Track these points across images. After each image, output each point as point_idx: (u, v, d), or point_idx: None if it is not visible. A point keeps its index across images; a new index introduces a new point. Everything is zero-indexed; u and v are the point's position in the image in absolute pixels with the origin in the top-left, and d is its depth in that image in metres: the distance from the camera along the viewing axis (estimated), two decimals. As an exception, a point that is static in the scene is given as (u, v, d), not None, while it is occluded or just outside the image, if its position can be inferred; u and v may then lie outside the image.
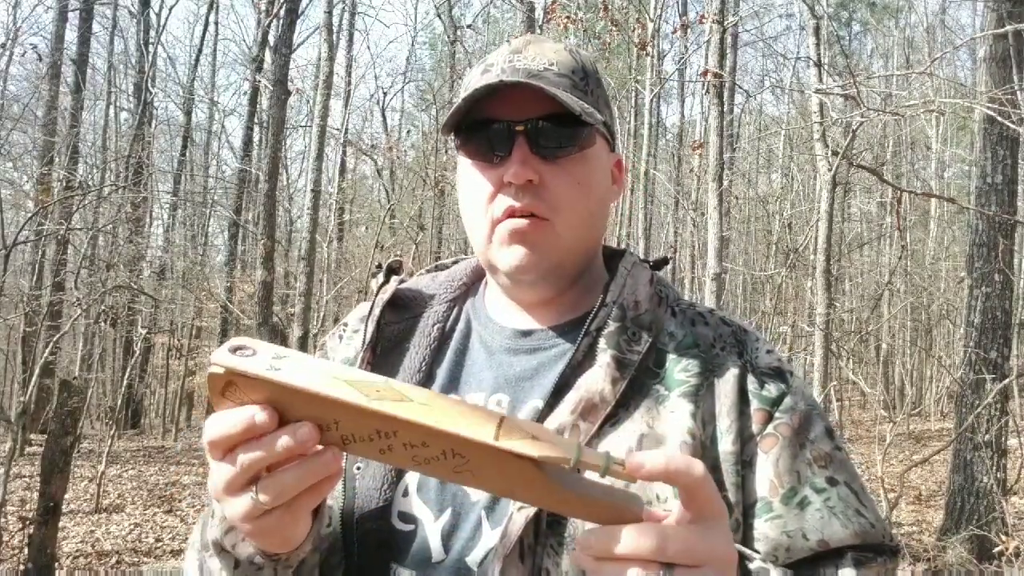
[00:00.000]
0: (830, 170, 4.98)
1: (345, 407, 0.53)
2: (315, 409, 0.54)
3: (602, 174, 0.83)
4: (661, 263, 0.91)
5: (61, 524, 4.81)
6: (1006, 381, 5.72)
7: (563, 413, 0.73)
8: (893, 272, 9.73)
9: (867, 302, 11.42)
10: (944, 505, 5.98)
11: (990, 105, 4.96)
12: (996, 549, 4.71)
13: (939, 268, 12.96)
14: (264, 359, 0.54)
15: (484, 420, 0.53)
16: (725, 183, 5.80)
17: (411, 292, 0.88)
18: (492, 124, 0.78)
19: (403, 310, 0.87)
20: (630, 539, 0.52)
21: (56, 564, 4.41)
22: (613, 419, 0.73)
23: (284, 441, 0.54)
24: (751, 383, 0.77)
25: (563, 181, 0.77)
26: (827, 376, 5.05)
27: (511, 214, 0.77)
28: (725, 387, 0.76)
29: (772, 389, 0.77)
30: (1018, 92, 5.42)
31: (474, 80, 0.80)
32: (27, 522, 4.46)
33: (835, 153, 5.07)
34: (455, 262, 0.96)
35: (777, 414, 0.75)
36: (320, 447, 0.56)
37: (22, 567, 4.30)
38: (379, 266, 0.89)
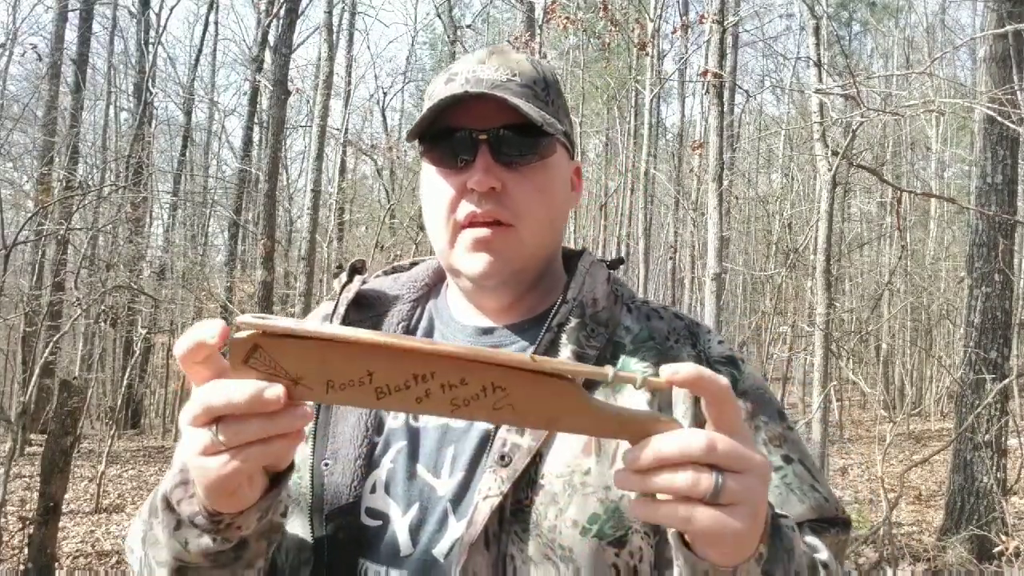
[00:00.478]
0: (830, 170, 4.98)
1: (384, 350, 0.52)
2: (350, 361, 0.53)
3: (562, 182, 0.86)
4: (617, 263, 0.95)
5: (61, 524, 4.81)
6: (1006, 381, 5.72)
7: None
8: (893, 272, 9.73)
9: (867, 302, 11.41)
10: (944, 505, 5.98)
11: (990, 105, 4.96)
12: (996, 549, 4.71)
13: (939, 268, 12.95)
14: (287, 321, 0.54)
15: (515, 354, 0.54)
16: (725, 183, 5.80)
17: (374, 292, 0.91)
18: (456, 132, 0.80)
19: (367, 309, 0.89)
20: (680, 440, 0.52)
21: (56, 564, 4.40)
22: None
23: (282, 423, 0.55)
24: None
25: (525, 188, 0.81)
26: (827, 376, 5.04)
27: (474, 220, 0.80)
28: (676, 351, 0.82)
29: (725, 376, 0.77)
30: (1018, 92, 5.42)
31: (438, 90, 0.83)
32: (27, 522, 4.46)
33: (835, 153, 5.07)
34: (413, 264, 0.99)
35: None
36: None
37: (22, 567, 4.29)
38: (339, 266, 0.93)
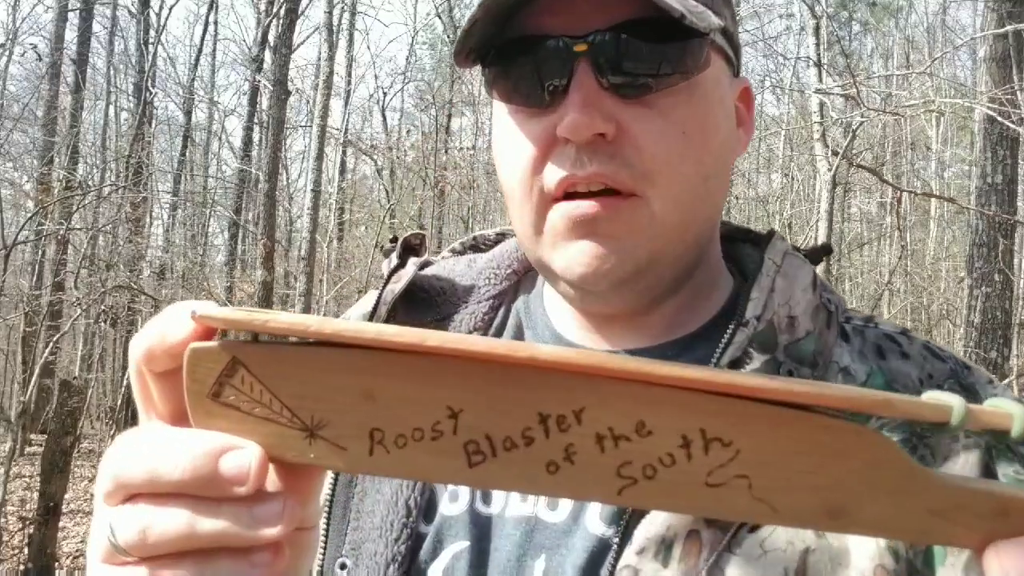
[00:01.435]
0: (830, 170, 4.98)
1: (481, 366, 0.28)
2: (415, 389, 0.29)
3: (722, 113, 0.54)
4: (822, 253, 0.60)
5: (61, 524, 4.81)
6: (1006, 381, 5.72)
7: None
8: (893, 272, 9.73)
9: (867, 302, 11.41)
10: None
11: (990, 105, 4.96)
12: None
13: (939, 268, 12.95)
14: (291, 317, 0.30)
15: (751, 375, 0.29)
16: (725, 183, 5.80)
17: (438, 282, 0.61)
18: (538, 44, 0.50)
19: (425, 308, 0.60)
20: None
21: (56, 564, 4.40)
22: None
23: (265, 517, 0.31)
24: (1003, 468, 0.46)
25: (658, 130, 0.50)
26: (827, 376, 5.04)
27: (571, 189, 0.50)
28: (953, 470, 0.47)
29: None
30: (1018, 92, 5.42)
31: None
32: (27, 522, 4.46)
33: (835, 153, 5.07)
34: (499, 237, 0.66)
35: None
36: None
37: (22, 567, 4.29)
38: (393, 239, 0.62)
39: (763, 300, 0.52)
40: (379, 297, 0.58)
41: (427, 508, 0.53)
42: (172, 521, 0.30)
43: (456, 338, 0.29)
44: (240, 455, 0.30)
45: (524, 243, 0.56)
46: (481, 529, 0.51)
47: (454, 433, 0.29)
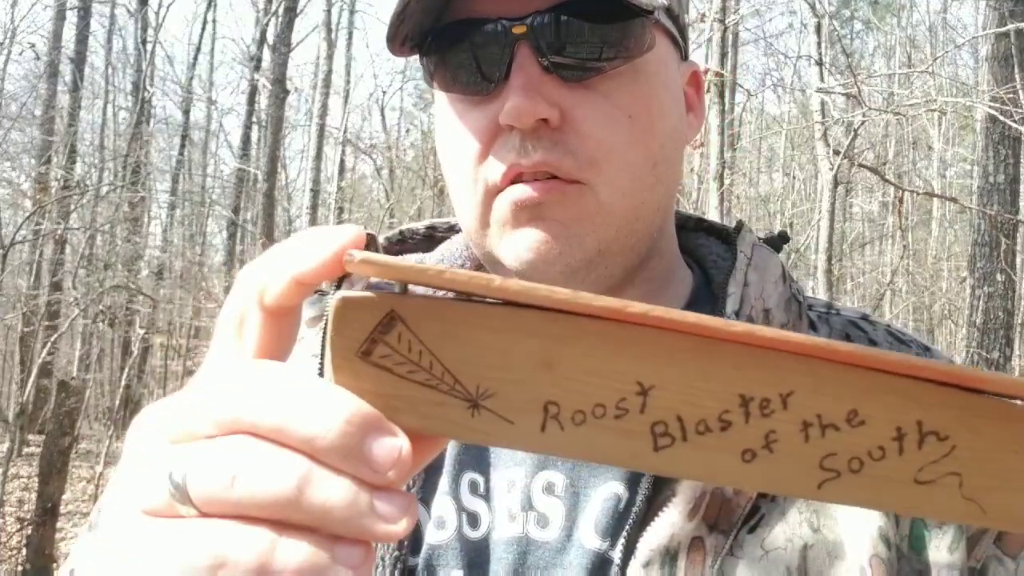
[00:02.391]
0: (831, 169, 4.96)
1: (686, 338, 0.25)
2: (603, 355, 0.26)
3: (669, 97, 0.51)
4: (780, 242, 0.58)
5: (59, 525, 4.79)
6: (1009, 381, 5.72)
7: (674, 516, 0.44)
8: (895, 272, 9.72)
9: (869, 302, 11.40)
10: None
11: (992, 104, 4.94)
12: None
13: (941, 268, 12.94)
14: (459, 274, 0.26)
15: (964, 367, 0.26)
16: (726, 183, 5.78)
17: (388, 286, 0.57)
18: (476, 28, 0.47)
19: None
20: None
21: (54, 565, 4.38)
22: (752, 519, 0.45)
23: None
24: None
25: (603, 115, 0.48)
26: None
27: (516, 178, 0.48)
28: None
29: None
30: (1020, 91, 5.40)
31: None
32: (25, 523, 4.43)
33: (837, 152, 5.05)
34: (429, 231, 0.62)
35: None
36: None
37: (20, 568, 4.27)
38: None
39: (740, 294, 0.50)
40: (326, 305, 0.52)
41: (413, 539, 0.49)
42: (279, 478, 0.24)
43: (663, 309, 0.25)
44: (394, 441, 0.25)
45: (471, 237, 0.53)
46: (472, 555, 0.48)
47: (641, 412, 0.26)
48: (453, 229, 0.62)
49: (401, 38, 0.49)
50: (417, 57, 0.52)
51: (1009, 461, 0.25)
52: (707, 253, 0.57)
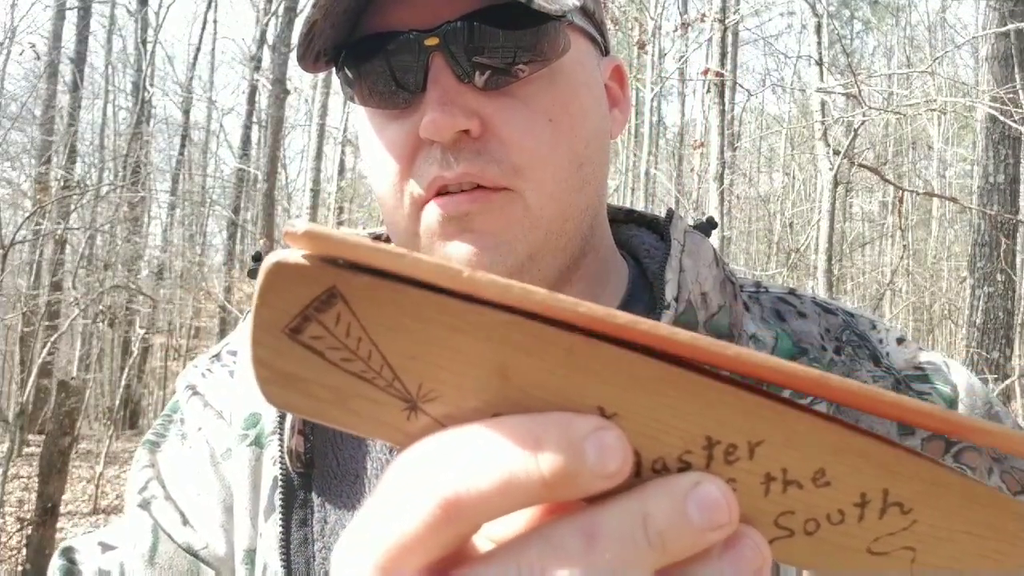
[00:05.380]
0: (831, 169, 4.96)
1: (654, 364, 0.23)
2: (571, 375, 0.23)
3: (590, 96, 0.51)
4: (709, 228, 0.59)
5: (59, 525, 4.79)
6: (1008, 381, 5.70)
7: None
8: (895, 272, 9.72)
9: (869, 302, 11.40)
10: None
11: (992, 104, 4.94)
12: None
13: (941, 268, 12.94)
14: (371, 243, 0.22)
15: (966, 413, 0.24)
16: (726, 182, 5.78)
17: None
18: (388, 40, 0.47)
19: None
20: None
21: (53, 566, 4.38)
22: None
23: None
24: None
25: (524, 121, 0.47)
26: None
27: (441, 189, 0.47)
28: (868, 416, 0.46)
29: (937, 401, 0.50)
30: (1020, 91, 5.40)
31: None
32: (25, 523, 4.43)
33: (836, 152, 5.05)
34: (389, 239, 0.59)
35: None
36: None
37: (20, 568, 4.27)
38: (256, 257, 0.57)
39: (677, 280, 0.51)
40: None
41: None
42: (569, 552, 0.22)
43: (652, 323, 0.22)
44: (604, 437, 0.22)
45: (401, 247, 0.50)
46: None
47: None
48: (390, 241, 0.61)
49: (313, 55, 0.48)
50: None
51: (964, 542, 0.24)
52: (639, 244, 0.58)
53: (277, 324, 0.22)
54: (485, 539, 0.24)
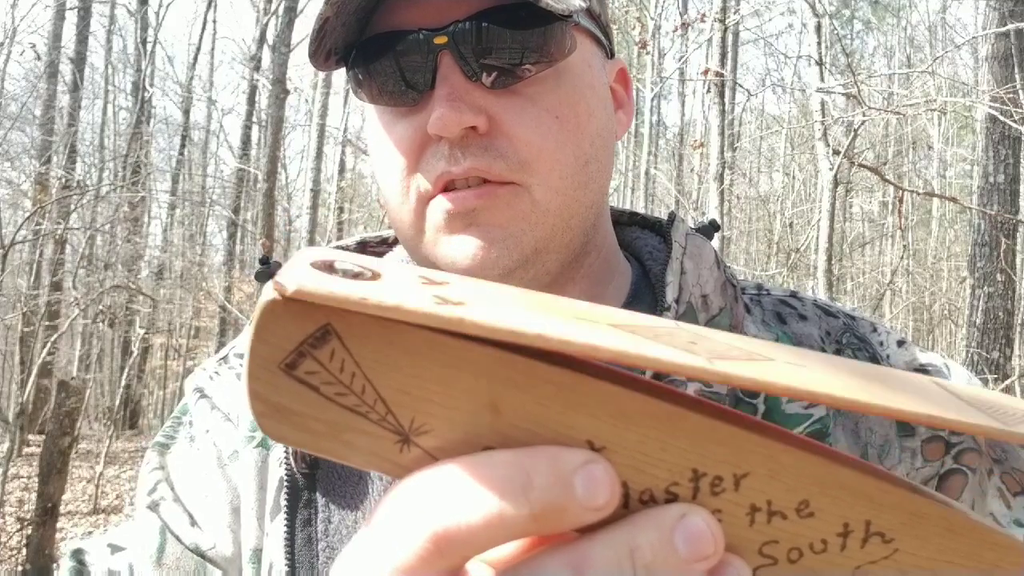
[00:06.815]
0: (831, 169, 4.95)
1: (645, 399, 0.23)
2: (562, 408, 0.23)
3: (595, 96, 0.52)
4: (711, 230, 0.60)
5: (59, 525, 4.79)
6: (1008, 381, 5.70)
7: None
8: (895, 272, 9.72)
9: (869, 302, 11.40)
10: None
11: (992, 104, 4.94)
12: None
13: (941, 268, 12.94)
14: (395, 280, 0.23)
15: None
16: (726, 182, 5.78)
17: None
18: (398, 40, 0.48)
19: None
20: None
21: (54, 565, 4.38)
22: None
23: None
24: None
25: (531, 118, 0.48)
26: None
27: (448, 185, 0.48)
28: (867, 418, 0.49)
29: None
30: (1020, 91, 5.40)
31: None
32: (25, 523, 4.43)
33: (836, 152, 5.05)
34: (359, 247, 0.61)
35: (955, 437, 0.50)
36: None
37: (20, 568, 4.27)
38: (264, 260, 0.58)
39: (677, 282, 0.51)
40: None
41: None
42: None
43: (658, 351, 0.22)
44: (592, 471, 0.23)
45: (407, 244, 0.53)
46: None
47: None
48: (385, 242, 0.62)
49: (324, 53, 0.49)
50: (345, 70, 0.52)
51: (944, 570, 0.25)
52: (643, 246, 0.58)
53: (273, 360, 0.22)
54: (479, 563, 0.24)
